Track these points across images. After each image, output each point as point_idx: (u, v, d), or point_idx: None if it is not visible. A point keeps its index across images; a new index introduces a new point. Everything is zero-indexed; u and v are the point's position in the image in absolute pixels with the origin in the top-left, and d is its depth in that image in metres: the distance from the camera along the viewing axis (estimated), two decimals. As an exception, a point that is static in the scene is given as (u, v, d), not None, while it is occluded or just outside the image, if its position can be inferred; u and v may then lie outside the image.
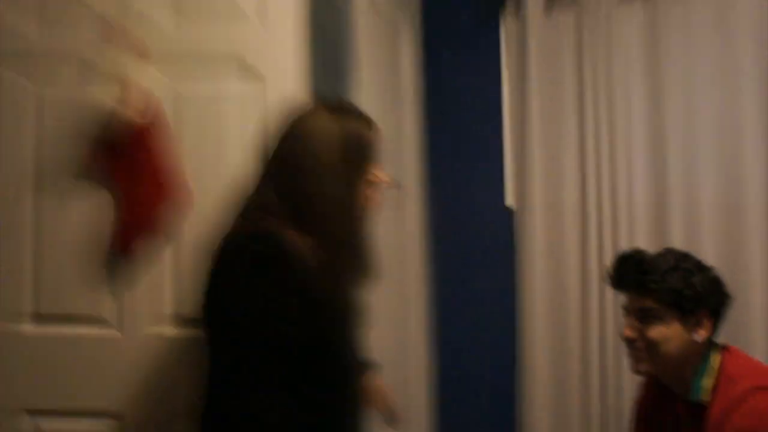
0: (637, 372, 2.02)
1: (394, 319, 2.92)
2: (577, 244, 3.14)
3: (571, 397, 3.11)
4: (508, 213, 3.29)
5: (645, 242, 3.01)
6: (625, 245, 3.00)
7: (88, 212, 2.11)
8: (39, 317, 2.17)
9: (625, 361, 2.24)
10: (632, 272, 1.99)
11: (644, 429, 2.14)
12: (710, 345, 1.98)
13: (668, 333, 1.94)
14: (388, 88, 2.91)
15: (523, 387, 3.17)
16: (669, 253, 2.03)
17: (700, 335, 1.95)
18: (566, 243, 3.16)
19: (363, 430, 1.80)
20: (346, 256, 1.66)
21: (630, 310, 2.02)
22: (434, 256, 3.35)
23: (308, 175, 1.64)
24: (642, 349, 1.97)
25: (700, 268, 1.99)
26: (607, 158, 3.09)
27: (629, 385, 2.97)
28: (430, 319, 3.32)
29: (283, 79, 2.09)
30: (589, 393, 3.08)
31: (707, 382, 1.92)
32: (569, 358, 3.13)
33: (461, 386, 3.31)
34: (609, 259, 2.94)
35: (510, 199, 3.29)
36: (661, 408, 2.08)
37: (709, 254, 2.85)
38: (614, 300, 3.03)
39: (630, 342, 2.00)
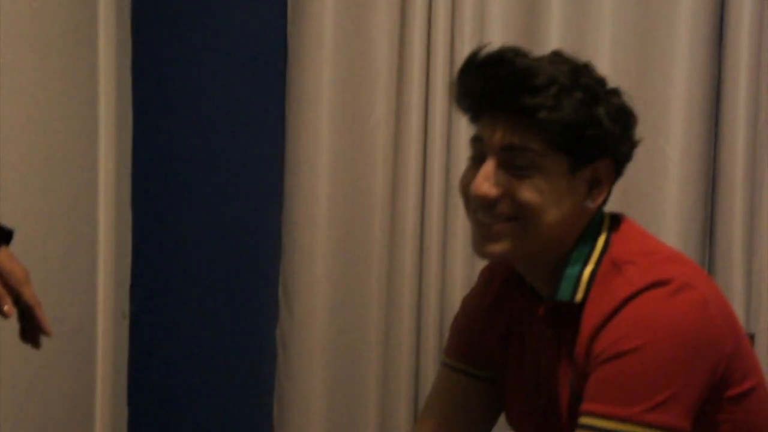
0: (488, 254, 1.26)
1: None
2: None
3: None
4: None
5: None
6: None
7: None
8: None
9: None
10: (505, 83, 1.18)
11: (472, 341, 1.42)
12: (596, 214, 1.28)
13: (550, 191, 1.20)
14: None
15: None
16: (560, 57, 1.26)
17: (595, 200, 1.25)
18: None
19: None
20: None
21: (489, 150, 1.22)
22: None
23: None
24: (508, 214, 1.21)
25: (606, 89, 1.25)
26: None
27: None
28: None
29: None
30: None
31: (587, 271, 1.23)
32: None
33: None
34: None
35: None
36: (506, 311, 1.38)
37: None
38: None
39: (486, 205, 1.21)
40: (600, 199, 1.25)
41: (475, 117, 1.26)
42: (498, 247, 1.23)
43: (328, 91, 2.30)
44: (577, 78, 1.20)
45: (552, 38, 2.21)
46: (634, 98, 2.17)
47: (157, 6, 2.43)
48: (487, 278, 1.43)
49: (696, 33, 2.21)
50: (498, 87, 1.19)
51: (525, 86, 1.17)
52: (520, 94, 1.17)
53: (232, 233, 2.43)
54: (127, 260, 2.44)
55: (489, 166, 1.21)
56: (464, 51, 2.20)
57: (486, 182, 1.20)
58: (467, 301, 1.45)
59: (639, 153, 2.24)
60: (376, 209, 2.32)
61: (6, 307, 1.25)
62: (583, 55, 2.13)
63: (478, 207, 1.23)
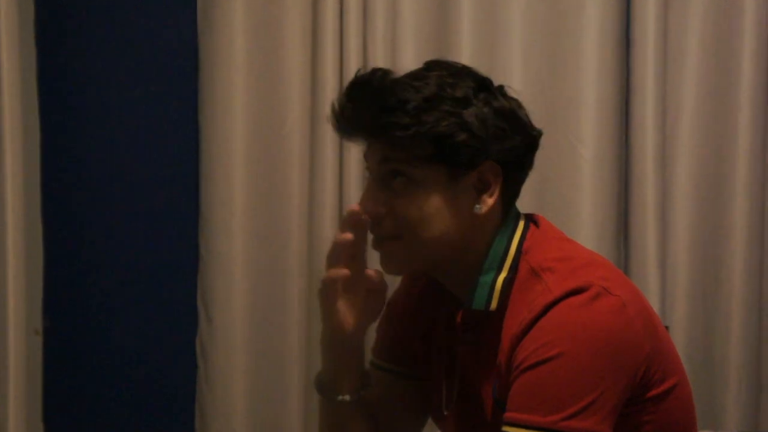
0: (391, 273, 1.31)
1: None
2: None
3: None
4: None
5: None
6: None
7: None
8: None
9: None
10: (367, 105, 1.22)
11: (399, 342, 1.43)
12: (507, 217, 1.28)
13: (431, 204, 1.23)
14: None
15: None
16: (431, 70, 1.25)
17: (485, 204, 1.24)
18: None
19: None
20: None
21: (371, 169, 1.27)
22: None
23: None
24: (391, 233, 1.25)
25: (481, 88, 1.24)
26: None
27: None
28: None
29: None
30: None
31: (500, 279, 1.25)
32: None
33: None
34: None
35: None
36: (429, 313, 1.39)
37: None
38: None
39: (373, 223, 1.26)
40: (490, 202, 1.25)
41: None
42: (395, 267, 1.29)
43: (241, 98, 2.27)
44: (442, 90, 1.21)
45: (463, 45, 2.22)
46: (547, 100, 2.21)
47: (63, 16, 2.37)
48: (410, 280, 1.44)
49: (604, 37, 2.25)
50: (357, 110, 1.23)
51: (378, 107, 1.20)
52: (375, 115, 1.20)
53: (148, 243, 2.39)
54: (39, 273, 2.37)
55: (370, 185, 1.26)
56: (377, 56, 2.21)
57: (369, 201, 1.25)
58: (391, 303, 1.45)
59: (553, 152, 2.28)
60: (294, 215, 2.31)
61: None
62: (495, 60, 2.17)
63: (370, 226, 1.27)
